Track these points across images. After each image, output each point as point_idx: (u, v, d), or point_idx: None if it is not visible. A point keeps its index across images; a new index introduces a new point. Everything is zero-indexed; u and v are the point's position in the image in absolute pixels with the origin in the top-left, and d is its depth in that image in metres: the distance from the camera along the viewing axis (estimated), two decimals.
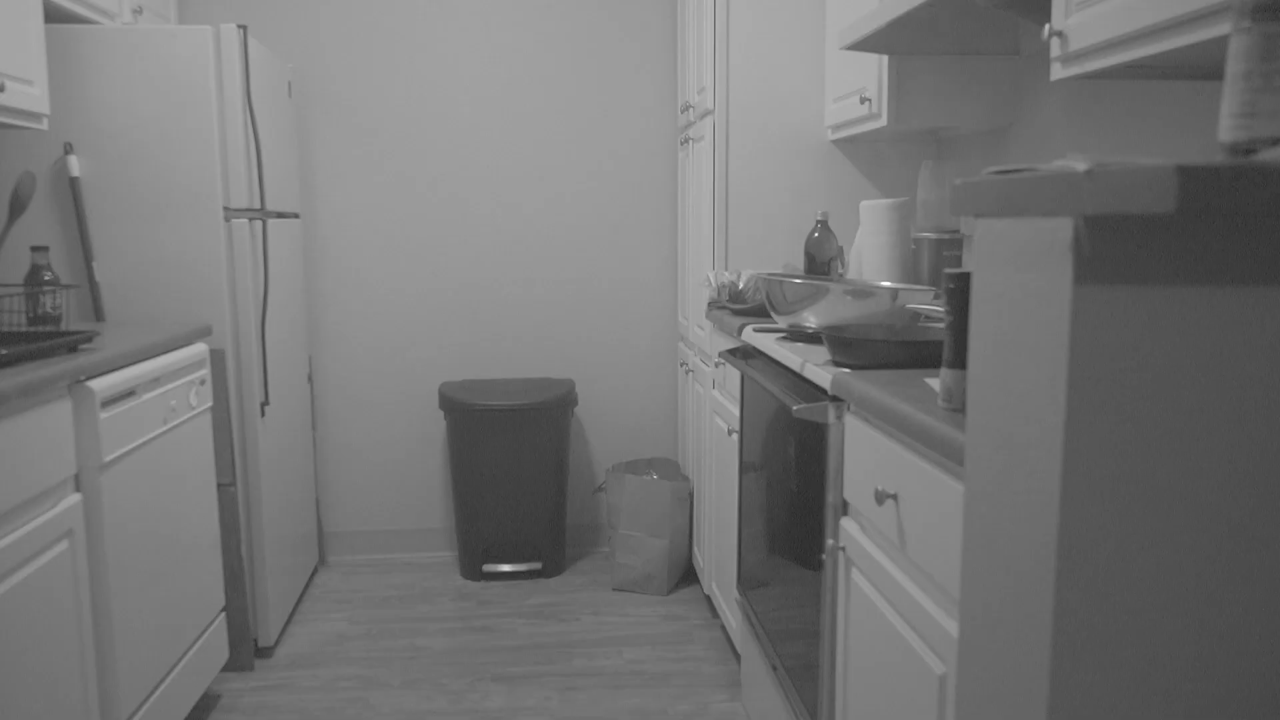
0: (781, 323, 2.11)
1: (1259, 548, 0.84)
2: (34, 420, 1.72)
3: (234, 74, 2.62)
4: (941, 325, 1.93)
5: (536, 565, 3.46)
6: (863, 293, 1.95)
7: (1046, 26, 1.55)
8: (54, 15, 2.55)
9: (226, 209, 2.66)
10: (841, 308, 1.95)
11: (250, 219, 2.73)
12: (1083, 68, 1.49)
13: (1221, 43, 1.21)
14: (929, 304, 1.92)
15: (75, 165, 2.54)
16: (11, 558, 1.64)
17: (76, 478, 1.90)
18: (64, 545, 1.82)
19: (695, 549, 3.28)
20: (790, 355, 1.92)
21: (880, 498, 1.42)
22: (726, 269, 2.95)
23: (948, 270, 1.30)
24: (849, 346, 1.72)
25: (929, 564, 1.30)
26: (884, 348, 1.69)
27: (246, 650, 2.75)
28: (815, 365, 1.77)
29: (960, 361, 1.28)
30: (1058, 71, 1.55)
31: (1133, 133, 1.95)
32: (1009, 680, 0.94)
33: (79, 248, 2.59)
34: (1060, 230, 0.83)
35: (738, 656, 2.80)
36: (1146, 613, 0.85)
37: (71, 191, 2.55)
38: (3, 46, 2.11)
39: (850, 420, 1.62)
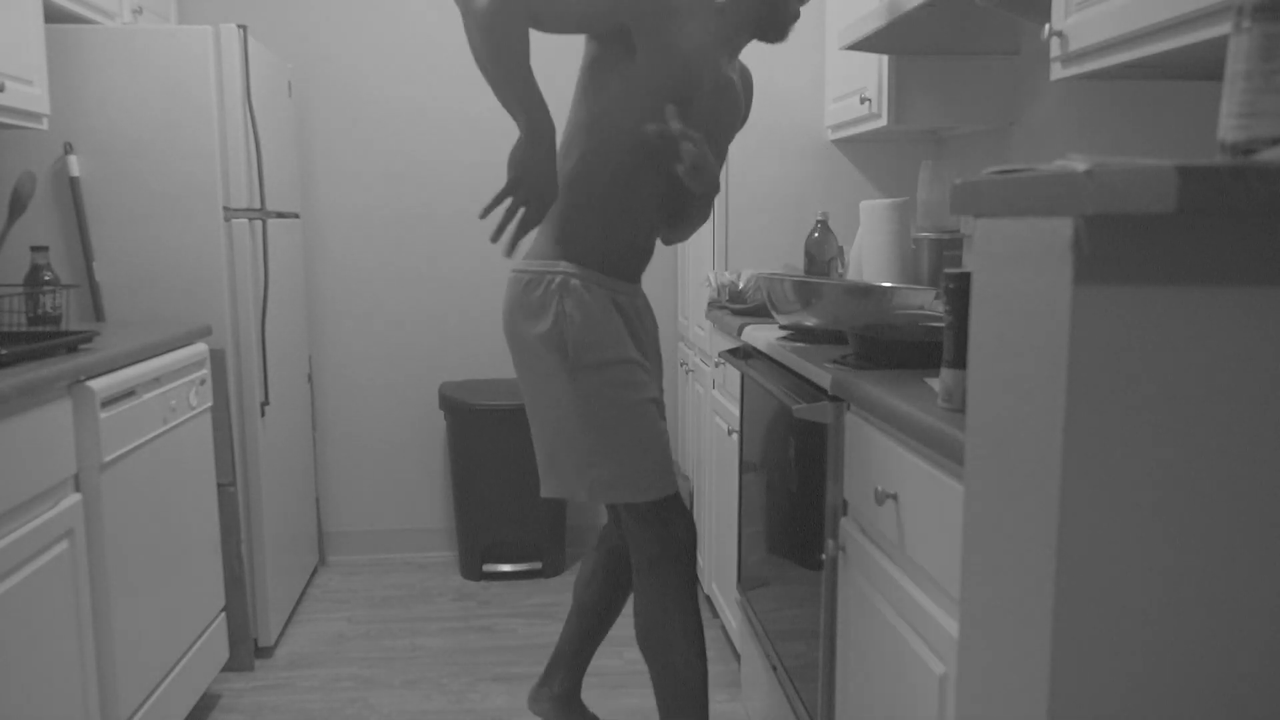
0: (782, 321, 2.11)
1: (1259, 547, 0.84)
2: (34, 420, 1.72)
3: (234, 74, 2.62)
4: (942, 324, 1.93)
5: (536, 565, 3.46)
6: (861, 291, 1.95)
7: (1046, 26, 1.55)
8: (54, 15, 2.55)
9: (226, 209, 2.66)
10: (841, 306, 1.94)
11: (250, 219, 2.73)
12: (1083, 68, 1.49)
13: (1221, 43, 1.21)
14: (928, 305, 1.92)
15: (75, 165, 2.54)
16: (11, 558, 1.64)
17: (76, 478, 1.90)
18: (64, 545, 1.82)
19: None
20: (790, 355, 1.92)
21: (880, 498, 1.42)
22: (726, 269, 2.95)
23: (948, 270, 1.30)
24: (870, 344, 1.72)
25: (929, 564, 1.30)
26: (901, 347, 1.69)
27: (246, 650, 2.75)
28: (815, 365, 1.77)
29: (960, 361, 1.28)
30: (1058, 71, 1.55)
31: (1133, 133, 1.95)
32: (1009, 680, 0.94)
33: (79, 248, 2.59)
34: (1060, 230, 0.83)
35: (738, 656, 2.80)
36: (1146, 613, 0.85)
37: (71, 191, 2.55)
38: (3, 46, 2.11)
39: (850, 420, 1.62)
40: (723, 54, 1.85)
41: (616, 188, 1.78)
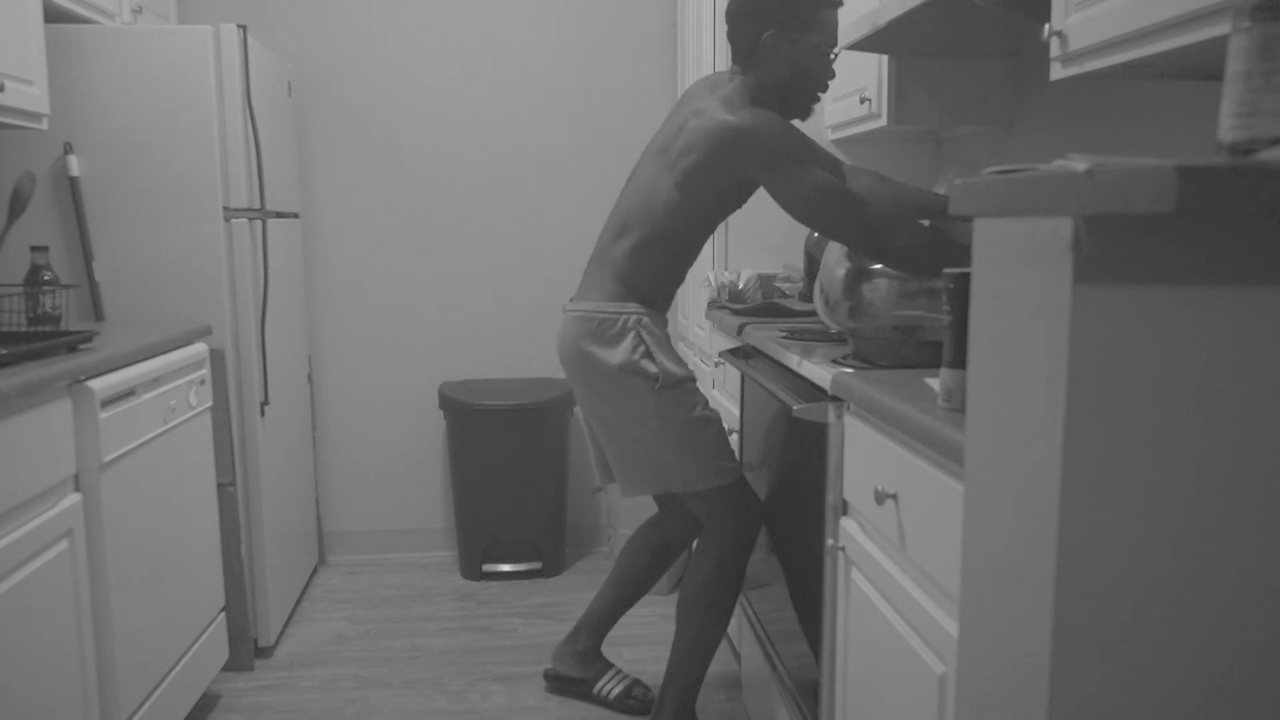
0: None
1: (1259, 547, 0.84)
2: (34, 420, 1.72)
3: (234, 74, 2.62)
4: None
5: (536, 565, 3.46)
6: None
7: (1046, 26, 1.55)
8: (54, 15, 2.55)
9: (226, 209, 2.66)
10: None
11: (250, 219, 2.73)
12: (1082, 68, 1.49)
13: (1221, 43, 1.21)
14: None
15: (75, 165, 2.54)
16: (11, 558, 1.64)
17: (76, 478, 1.90)
18: (64, 545, 1.82)
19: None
20: (790, 355, 1.92)
21: (880, 498, 1.42)
22: (726, 269, 2.95)
23: (948, 270, 1.30)
24: (870, 344, 1.72)
25: (929, 564, 1.30)
26: (899, 346, 1.69)
27: (246, 650, 2.75)
28: (815, 365, 1.77)
29: (960, 361, 1.28)
30: (1058, 71, 1.55)
31: (1133, 133, 1.95)
32: (1009, 680, 0.94)
33: (79, 248, 2.59)
34: (1060, 230, 0.83)
35: (738, 656, 2.80)
36: (1146, 613, 0.85)
37: (71, 191, 2.55)
38: (3, 46, 2.11)
39: (850, 420, 1.62)
40: None
41: (680, 258, 2.21)
